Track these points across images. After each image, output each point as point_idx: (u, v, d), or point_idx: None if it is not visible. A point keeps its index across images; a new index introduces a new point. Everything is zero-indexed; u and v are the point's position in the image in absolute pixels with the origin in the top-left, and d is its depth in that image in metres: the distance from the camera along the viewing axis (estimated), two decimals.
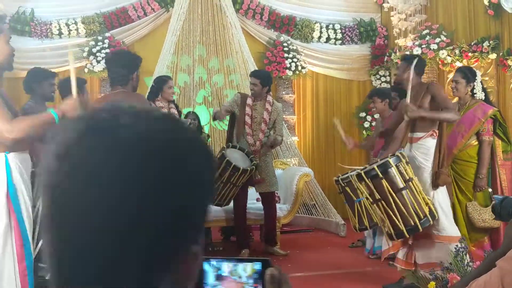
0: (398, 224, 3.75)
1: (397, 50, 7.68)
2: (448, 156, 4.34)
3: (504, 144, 4.73)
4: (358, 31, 8.54)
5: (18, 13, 7.47)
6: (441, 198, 4.09)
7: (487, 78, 6.49)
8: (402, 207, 3.74)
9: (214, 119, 5.51)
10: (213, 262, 0.92)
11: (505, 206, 1.88)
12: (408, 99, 4.03)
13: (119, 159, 0.55)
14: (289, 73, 8.15)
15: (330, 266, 5.18)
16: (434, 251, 4.00)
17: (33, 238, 2.60)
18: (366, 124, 8.40)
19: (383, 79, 8.48)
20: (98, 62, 7.49)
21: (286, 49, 8.14)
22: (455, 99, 4.81)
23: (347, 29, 8.51)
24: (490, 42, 6.57)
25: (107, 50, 7.51)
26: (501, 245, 1.61)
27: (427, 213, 3.82)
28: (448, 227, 4.00)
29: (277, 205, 5.73)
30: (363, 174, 3.81)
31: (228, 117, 5.52)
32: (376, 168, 3.76)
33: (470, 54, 6.72)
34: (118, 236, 0.54)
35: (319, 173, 7.77)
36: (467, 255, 3.46)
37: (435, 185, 4.07)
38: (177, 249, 0.58)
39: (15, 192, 2.51)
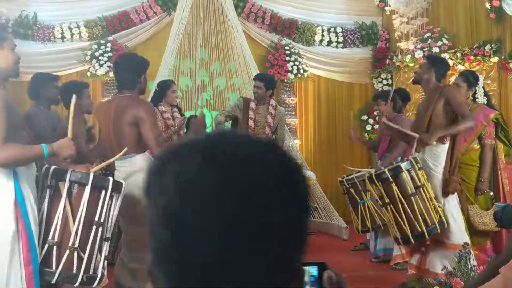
0: (405, 229, 3.74)
1: (399, 53, 7.70)
2: None
3: (506, 148, 4.73)
4: (359, 34, 8.56)
5: (21, 17, 7.50)
6: (452, 206, 4.04)
7: (489, 81, 6.50)
8: (410, 213, 3.72)
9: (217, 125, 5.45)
10: None
11: (507, 214, 1.89)
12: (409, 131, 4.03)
13: (240, 190, 0.63)
14: (291, 76, 8.17)
15: None
16: (445, 258, 3.94)
17: (38, 242, 2.61)
18: (368, 127, 8.41)
19: (384, 82, 8.49)
20: (101, 65, 7.52)
21: (287, 52, 8.17)
22: None
23: (348, 32, 8.53)
24: (492, 45, 6.59)
25: (110, 54, 7.54)
26: (503, 252, 1.62)
27: (436, 221, 3.78)
28: (459, 234, 3.96)
29: None
30: (374, 176, 3.80)
31: (230, 122, 5.52)
32: (387, 172, 3.75)
33: (472, 57, 6.73)
34: (253, 251, 0.62)
35: (321, 176, 7.78)
36: (471, 260, 3.45)
37: (445, 193, 4.01)
38: (292, 257, 0.67)
39: (23, 198, 2.53)
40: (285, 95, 8.30)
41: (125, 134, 3.22)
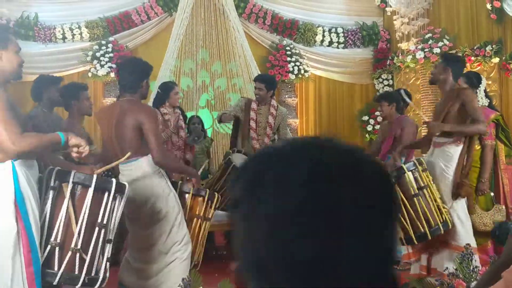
0: (408, 230, 3.74)
1: (400, 54, 7.70)
2: None
3: (507, 149, 4.73)
4: (360, 34, 8.57)
5: (22, 17, 7.51)
6: (459, 207, 4.01)
7: (489, 82, 6.50)
8: (413, 214, 3.72)
9: (220, 121, 5.49)
10: None
11: (502, 231, 1.90)
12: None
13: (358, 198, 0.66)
14: (292, 76, 8.17)
15: None
16: (452, 259, 3.93)
17: (40, 243, 2.62)
18: (369, 128, 8.42)
19: (385, 82, 8.49)
20: (102, 66, 7.53)
21: (288, 52, 8.17)
22: None
23: (349, 33, 8.53)
24: (493, 46, 6.59)
25: (111, 55, 7.55)
26: (503, 253, 1.63)
27: (440, 221, 3.78)
28: (465, 236, 3.94)
29: None
30: None
31: (231, 122, 5.53)
32: (390, 173, 3.74)
33: (472, 58, 6.74)
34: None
35: None
36: (474, 261, 3.45)
37: (455, 195, 3.96)
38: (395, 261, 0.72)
39: (23, 199, 2.53)
40: (286, 96, 8.30)
41: (127, 138, 3.22)
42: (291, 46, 8.24)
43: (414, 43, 7.39)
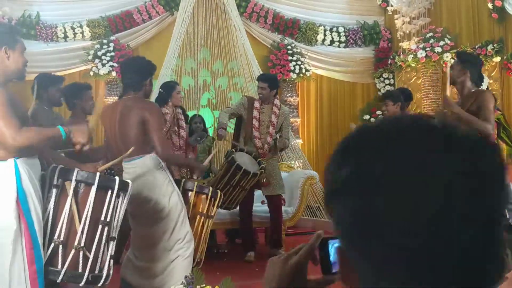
0: None
1: (401, 53, 7.70)
2: None
3: (508, 148, 4.73)
4: (362, 34, 8.58)
5: (23, 16, 7.52)
6: None
7: (491, 81, 6.51)
8: None
9: (219, 138, 5.25)
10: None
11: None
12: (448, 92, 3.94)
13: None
14: (293, 76, 8.18)
15: None
16: None
17: (44, 241, 2.62)
18: None
19: (386, 81, 8.50)
20: (103, 65, 7.54)
21: (290, 52, 8.18)
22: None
23: (351, 32, 8.54)
24: (494, 45, 6.59)
25: (112, 54, 7.56)
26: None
27: None
28: None
29: (283, 208, 5.74)
30: None
31: (234, 120, 5.53)
32: None
33: None
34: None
35: (323, 175, 7.76)
36: None
37: None
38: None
39: (25, 197, 2.53)
40: (287, 95, 8.31)
41: (130, 135, 3.23)
42: (293, 45, 8.25)
43: (415, 42, 7.39)
